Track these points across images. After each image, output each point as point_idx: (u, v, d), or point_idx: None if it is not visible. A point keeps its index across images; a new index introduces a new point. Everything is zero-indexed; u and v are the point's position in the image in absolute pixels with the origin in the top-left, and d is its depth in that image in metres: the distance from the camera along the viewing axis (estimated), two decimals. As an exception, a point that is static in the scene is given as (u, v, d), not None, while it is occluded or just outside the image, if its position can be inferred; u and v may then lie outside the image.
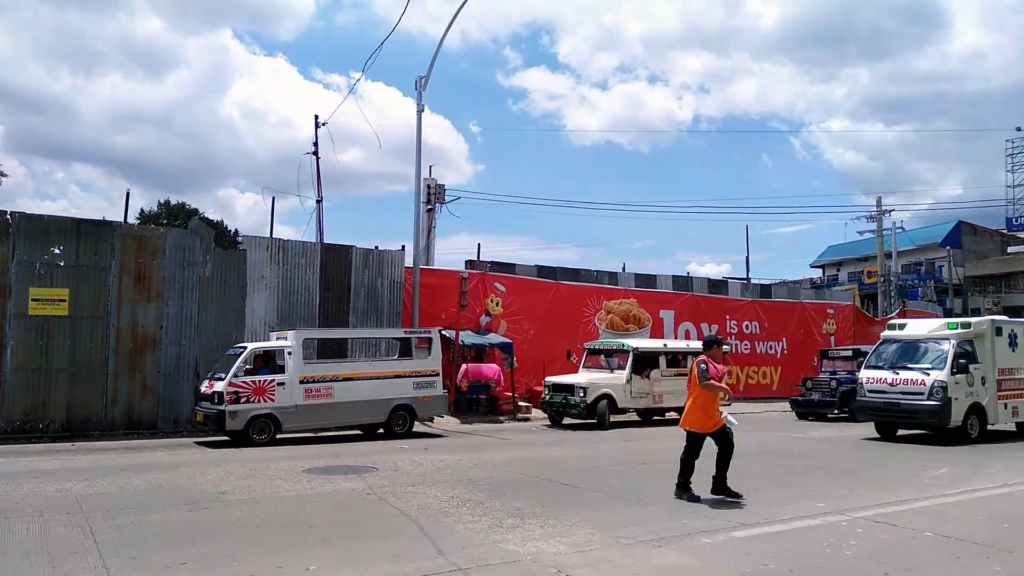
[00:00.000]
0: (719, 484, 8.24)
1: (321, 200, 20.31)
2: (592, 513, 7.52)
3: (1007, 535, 6.79)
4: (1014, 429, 15.46)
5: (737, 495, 8.11)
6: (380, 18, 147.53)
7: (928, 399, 13.91)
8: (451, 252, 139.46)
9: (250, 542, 6.40)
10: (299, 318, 16.68)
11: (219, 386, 13.34)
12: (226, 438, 13.66)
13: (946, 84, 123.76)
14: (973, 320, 15.54)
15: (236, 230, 45.03)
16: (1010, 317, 17.48)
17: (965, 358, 14.30)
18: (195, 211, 51.77)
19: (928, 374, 14.13)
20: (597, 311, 23.30)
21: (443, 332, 19.75)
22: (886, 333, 16.10)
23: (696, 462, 8.30)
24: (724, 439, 8.20)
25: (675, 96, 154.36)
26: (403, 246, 18.59)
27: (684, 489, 8.23)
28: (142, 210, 44.97)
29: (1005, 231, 72.87)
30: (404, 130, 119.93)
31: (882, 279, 55.08)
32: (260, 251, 16.45)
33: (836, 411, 19.94)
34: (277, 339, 14.55)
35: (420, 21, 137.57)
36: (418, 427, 16.40)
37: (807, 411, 20.53)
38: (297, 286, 16.86)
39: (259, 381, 13.53)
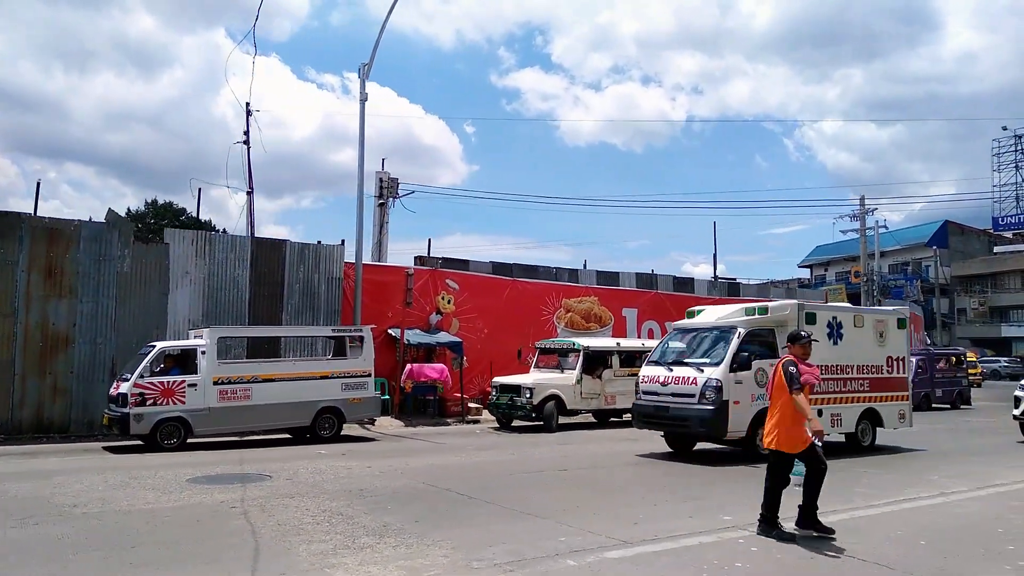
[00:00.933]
0: (808, 515, 6.54)
1: (252, 192, 19.48)
2: (465, 530, 6.72)
3: (919, 554, 6.01)
4: (842, 440, 12.71)
5: (829, 530, 6.47)
6: (375, 18, 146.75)
7: (699, 402, 11.04)
8: (446, 251, 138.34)
9: (42, 565, 5.57)
10: (227, 316, 15.85)
11: (124, 387, 12.51)
12: (138, 442, 12.83)
13: (939, 85, 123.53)
14: (773, 304, 12.64)
15: (224, 229, 44.40)
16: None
17: (752, 351, 11.40)
18: (183, 211, 51.01)
19: (702, 371, 11.24)
20: (556, 309, 22.51)
21: (389, 331, 19.01)
22: (676, 323, 13.49)
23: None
24: (815, 459, 6.52)
25: (668, 97, 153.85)
26: (343, 241, 17.81)
27: (771, 525, 6.50)
28: (128, 209, 44.17)
29: (992, 231, 72.35)
30: (399, 130, 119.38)
31: (865, 278, 54.51)
32: (184, 245, 15.60)
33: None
34: (194, 337, 13.72)
35: (414, 20, 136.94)
36: (356, 430, 15.62)
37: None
38: (225, 282, 16.01)
39: (168, 382, 12.68)
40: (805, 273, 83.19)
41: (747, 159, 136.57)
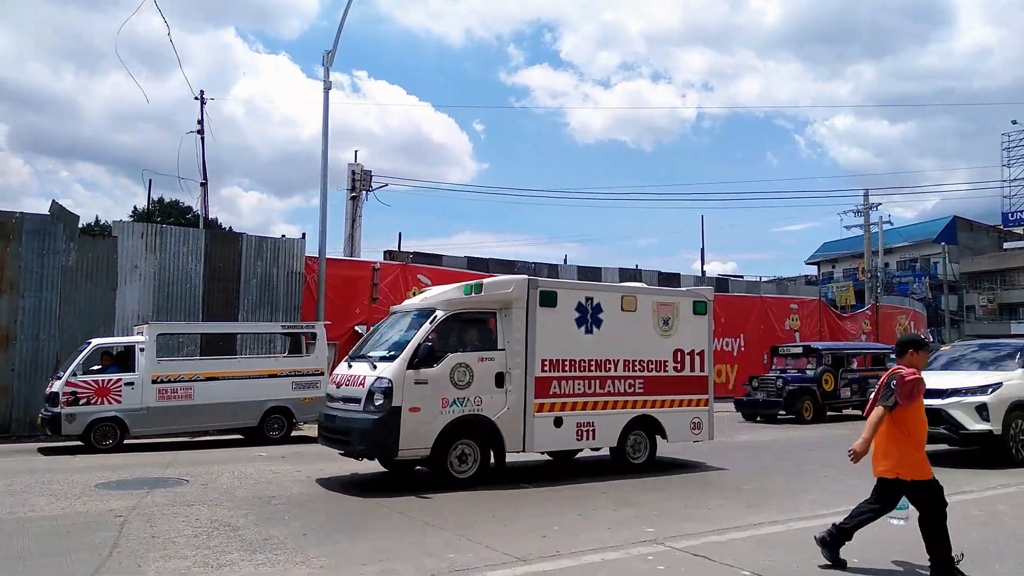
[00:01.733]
0: (944, 566, 4.98)
1: (206, 183, 18.93)
2: (349, 545, 6.09)
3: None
4: (590, 454, 10.54)
5: None
6: (383, 15, 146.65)
7: (364, 410, 8.40)
8: (454, 248, 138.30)
9: None
10: (179, 311, 15.29)
11: (56, 386, 11.97)
12: (78, 443, 12.29)
13: (951, 81, 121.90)
14: (490, 280, 9.73)
15: (231, 227, 44.20)
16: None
17: (452, 342, 8.87)
18: (188, 208, 50.82)
19: (375, 367, 8.58)
20: (535, 306, 21.80)
21: (356, 328, 18.42)
22: (396, 305, 11.15)
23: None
24: (935, 492, 5.09)
25: (678, 94, 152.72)
26: (303, 234, 17.20)
27: (836, 545, 5.28)
28: (135, 207, 44.02)
29: (1002, 227, 70.95)
30: (407, 128, 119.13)
31: (869, 275, 53.52)
32: (134, 238, 15.04)
33: (783, 412, 18.48)
34: (137, 334, 13.16)
35: (423, 19, 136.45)
36: (309, 431, 14.98)
37: (753, 412, 19.07)
38: (177, 276, 15.44)
39: (102, 381, 12.13)
40: (812, 270, 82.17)
41: (758, 156, 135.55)
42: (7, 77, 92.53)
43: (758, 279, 32.97)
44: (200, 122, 19.13)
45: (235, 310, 16.02)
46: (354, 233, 20.77)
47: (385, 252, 19.69)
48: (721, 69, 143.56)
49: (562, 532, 6.53)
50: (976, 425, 10.32)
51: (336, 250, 20.61)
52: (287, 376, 13.65)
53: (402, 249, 20.90)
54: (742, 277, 28.90)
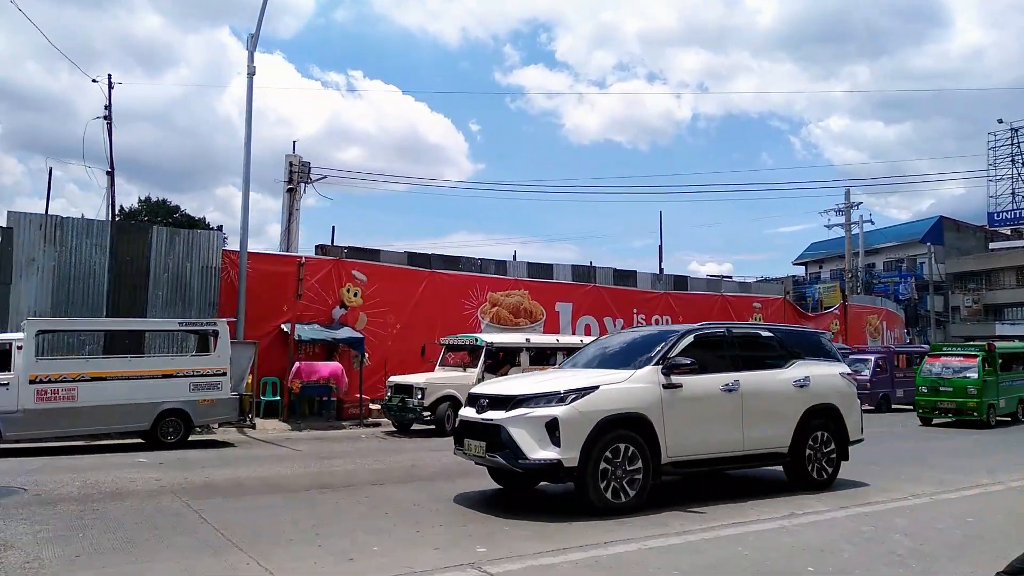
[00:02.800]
0: None
1: (112, 172, 18.05)
2: (115, 569, 5.28)
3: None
4: None
5: None
6: (379, 15, 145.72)
7: None
8: (452, 247, 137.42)
9: None
10: (80, 308, 14.43)
11: (-81, 388, 11.12)
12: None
13: (946, 82, 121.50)
14: None
15: (220, 226, 43.32)
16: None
17: None
18: (176, 208, 49.93)
19: None
20: (481, 303, 21.02)
21: (283, 326, 17.58)
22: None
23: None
24: None
25: (674, 94, 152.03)
26: (220, 227, 16.38)
27: None
28: (121, 207, 43.19)
29: (987, 227, 70.36)
30: (403, 128, 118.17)
31: (850, 274, 52.88)
32: (31, 230, 14.19)
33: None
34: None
35: (420, 18, 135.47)
36: (231, 435, 14.16)
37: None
38: (80, 271, 14.58)
39: (-28, 381, 11.27)
40: (800, 271, 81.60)
41: (753, 157, 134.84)
42: (2, 76, 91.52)
43: (753, 279, 32.29)
44: (107, 107, 18.24)
45: (143, 306, 15.17)
46: (291, 227, 19.90)
47: (317, 247, 18.85)
48: (716, 70, 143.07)
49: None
50: (540, 452, 6.91)
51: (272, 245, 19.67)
52: (184, 376, 12.79)
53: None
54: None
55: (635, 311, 23.61)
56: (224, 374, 13.21)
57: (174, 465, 10.62)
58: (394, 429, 15.97)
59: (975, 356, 17.93)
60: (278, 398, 16.92)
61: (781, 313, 26.68)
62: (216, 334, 13.28)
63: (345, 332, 17.76)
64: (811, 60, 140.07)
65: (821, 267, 78.44)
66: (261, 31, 16.05)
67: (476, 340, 16.36)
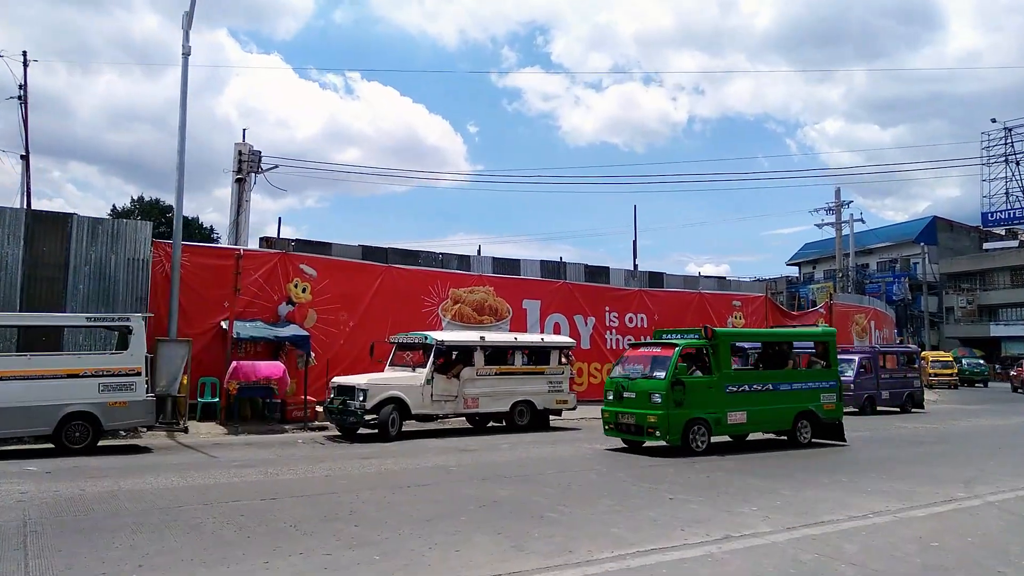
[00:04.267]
0: None
1: (27, 156, 16.89)
2: None
3: None
4: None
5: None
6: (378, 16, 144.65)
7: None
8: (455, 246, 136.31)
9: None
10: (-10, 302, 13.31)
11: None
12: None
13: (942, 84, 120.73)
14: None
15: (211, 226, 42.25)
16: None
17: None
18: (169, 208, 48.86)
19: None
20: (442, 300, 19.91)
21: (222, 323, 16.46)
22: None
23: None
24: None
25: (669, 97, 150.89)
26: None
27: None
28: (114, 206, 42.20)
29: (981, 227, 69.45)
30: (401, 129, 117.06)
31: (840, 273, 51.90)
32: (-66, 218, 13.06)
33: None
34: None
35: (418, 19, 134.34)
36: (158, 439, 13.05)
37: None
38: (-10, 263, 13.47)
39: None
40: (794, 271, 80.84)
41: (749, 160, 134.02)
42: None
43: (740, 279, 31.11)
44: (22, 87, 17.11)
45: (63, 301, 14.04)
46: (239, 219, 18.78)
47: (261, 239, 17.68)
48: (712, 72, 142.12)
49: None
50: None
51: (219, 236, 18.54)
52: (92, 377, 11.67)
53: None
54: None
55: (607, 309, 22.52)
56: (139, 374, 12.08)
57: (63, 475, 9.53)
58: (338, 433, 14.88)
59: (672, 347, 12.38)
60: (217, 400, 15.82)
61: (763, 311, 25.61)
62: (130, 330, 12.15)
63: (290, 330, 16.64)
64: (807, 62, 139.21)
65: (815, 267, 77.85)
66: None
67: (426, 338, 15.26)
